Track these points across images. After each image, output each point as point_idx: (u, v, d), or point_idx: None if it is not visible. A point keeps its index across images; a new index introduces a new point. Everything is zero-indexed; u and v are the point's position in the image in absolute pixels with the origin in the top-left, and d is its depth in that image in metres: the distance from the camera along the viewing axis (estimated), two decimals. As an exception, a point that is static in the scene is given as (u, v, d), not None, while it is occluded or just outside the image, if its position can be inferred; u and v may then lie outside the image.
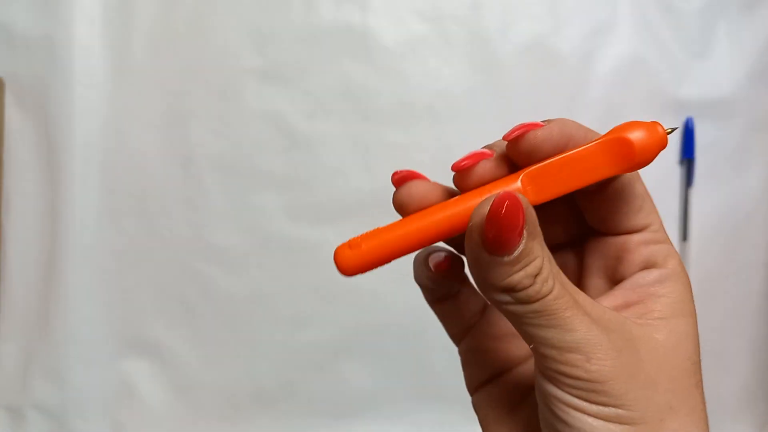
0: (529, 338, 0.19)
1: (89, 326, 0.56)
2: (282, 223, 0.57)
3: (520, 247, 0.18)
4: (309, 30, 0.57)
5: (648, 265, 0.21)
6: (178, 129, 0.57)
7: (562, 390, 0.18)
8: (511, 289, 0.18)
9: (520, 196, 0.18)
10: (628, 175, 0.21)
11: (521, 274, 0.18)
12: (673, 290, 0.20)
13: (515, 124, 0.21)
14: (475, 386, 0.24)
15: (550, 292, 0.18)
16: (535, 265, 0.18)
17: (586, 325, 0.18)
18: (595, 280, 0.22)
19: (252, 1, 0.57)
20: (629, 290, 0.20)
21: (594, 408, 0.18)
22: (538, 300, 0.18)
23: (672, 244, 0.21)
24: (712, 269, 0.59)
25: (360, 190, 0.57)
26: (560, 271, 0.19)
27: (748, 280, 0.59)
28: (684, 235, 0.58)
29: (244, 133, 0.57)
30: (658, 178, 0.59)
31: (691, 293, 0.21)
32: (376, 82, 0.57)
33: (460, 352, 0.25)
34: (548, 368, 0.19)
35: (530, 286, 0.18)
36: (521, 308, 0.19)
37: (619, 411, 0.18)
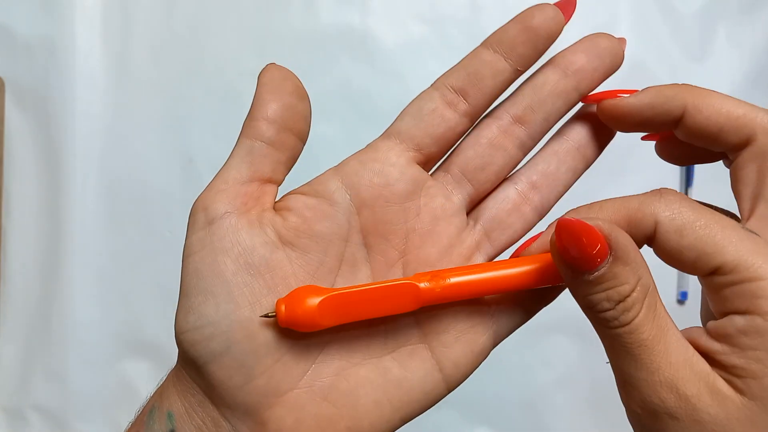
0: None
1: (89, 327, 0.56)
2: (282, 224, 0.57)
3: (602, 269, 0.18)
4: (309, 31, 0.57)
5: (732, 310, 0.18)
6: (178, 130, 0.57)
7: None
8: (590, 308, 0.18)
9: (600, 222, 0.18)
10: (753, 151, 0.20)
11: (601, 296, 0.18)
12: (762, 343, 0.17)
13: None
14: None
15: (631, 321, 0.18)
16: (619, 291, 0.18)
17: (657, 369, 0.18)
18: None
19: (252, 3, 0.57)
20: (715, 334, 0.19)
21: None
22: (615, 328, 0.18)
23: None
24: (712, 270, 0.59)
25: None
26: (659, 304, 0.18)
27: (747, 281, 0.59)
28: (684, 236, 0.58)
29: (244, 134, 0.57)
30: (658, 178, 0.59)
31: None
32: (376, 83, 0.57)
33: None
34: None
35: (609, 310, 0.18)
36: (599, 329, 0.19)
37: None
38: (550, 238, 0.19)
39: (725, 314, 0.18)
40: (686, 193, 0.58)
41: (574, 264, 0.18)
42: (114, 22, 0.57)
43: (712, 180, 0.59)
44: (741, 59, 0.59)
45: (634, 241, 0.19)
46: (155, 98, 0.57)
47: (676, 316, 0.19)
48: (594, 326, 0.19)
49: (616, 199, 0.20)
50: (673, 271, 0.58)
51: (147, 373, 0.57)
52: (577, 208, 0.21)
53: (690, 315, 0.58)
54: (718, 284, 0.18)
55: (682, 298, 0.58)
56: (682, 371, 0.18)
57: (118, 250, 0.57)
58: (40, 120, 0.57)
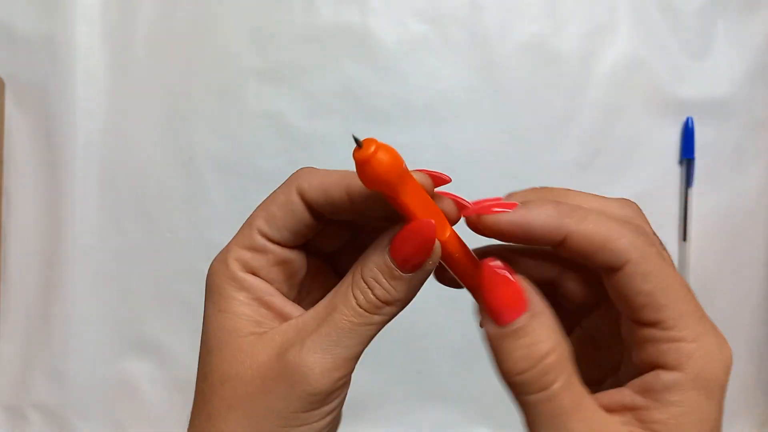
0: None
1: (89, 326, 0.56)
2: (282, 223, 0.57)
3: (520, 322, 0.18)
4: (309, 30, 0.57)
5: (657, 365, 0.19)
6: (179, 129, 0.57)
7: None
8: (508, 373, 0.18)
9: (520, 279, 0.18)
10: (628, 272, 0.19)
11: (519, 353, 0.18)
12: (684, 399, 0.18)
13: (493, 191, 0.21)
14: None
15: (550, 386, 0.18)
16: (538, 349, 0.18)
17: None
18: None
19: (252, 2, 0.57)
20: (639, 389, 0.19)
21: None
22: (534, 393, 0.18)
23: (706, 340, 0.19)
24: (712, 269, 0.59)
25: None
26: (576, 375, 0.18)
27: (748, 280, 0.59)
28: (684, 235, 0.58)
29: (244, 133, 0.57)
30: (658, 178, 0.59)
31: (716, 403, 0.18)
32: (376, 82, 0.57)
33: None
34: None
35: (527, 371, 0.18)
36: (519, 400, 0.19)
37: None
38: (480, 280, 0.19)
39: (651, 366, 0.19)
40: (686, 194, 0.58)
41: (494, 308, 0.18)
42: (114, 21, 0.57)
43: (713, 180, 0.59)
44: (741, 57, 0.59)
45: (596, 264, 0.19)
46: (155, 97, 0.57)
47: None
48: (515, 399, 0.19)
49: (598, 217, 0.19)
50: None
51: (147, 372, 0.57)
52: (563, 202, 0.20)
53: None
54: (654, 337, 0.19)
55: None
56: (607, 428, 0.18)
57: (118, 249, 0.57)
58: (40, 119, 0.56)
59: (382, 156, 0.19)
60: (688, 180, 0.58)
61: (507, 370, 0.18)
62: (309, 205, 0.22)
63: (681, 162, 0.59)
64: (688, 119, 0.58)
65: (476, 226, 0.20)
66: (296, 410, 0.20)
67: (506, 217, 0.19)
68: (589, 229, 0.19)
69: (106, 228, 0.57)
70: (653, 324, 0.19)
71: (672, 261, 0.20)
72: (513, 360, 0.18)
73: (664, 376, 0.18)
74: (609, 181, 0.58)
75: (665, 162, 0.59)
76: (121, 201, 0.57)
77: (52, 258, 0.56)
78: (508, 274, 0.18)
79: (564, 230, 0.19)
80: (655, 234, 0.21)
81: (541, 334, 0.18)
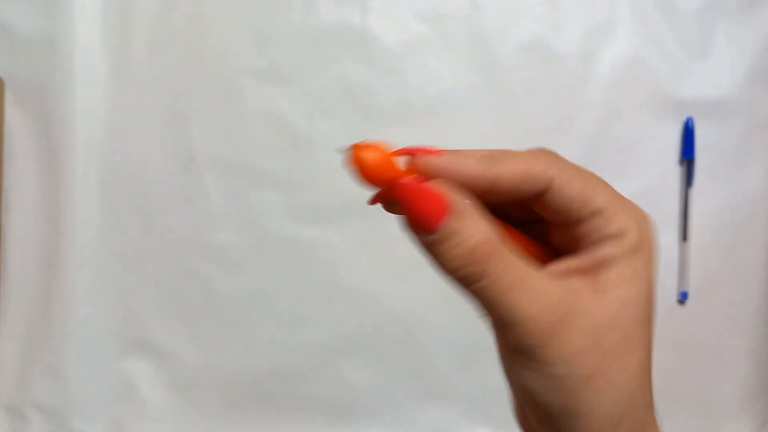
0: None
1: (89, 326, 0.56)
2: (282, 223, 0.57)
3: (445, 224, 0.20)
4: (309, 30, 0.57)
5: (605, 237, 0.21)
6: (179, 129, 0.57)
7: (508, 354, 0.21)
8: (448, 273, 0.20)
9: (437, 183, 0.20)
10: (556, 186, 0.21)
11: (451, 254, 0.20)
12: (630, 261, 0.21)
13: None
14: None
15: (488, 272, 0.20)
16: (466, 244, 0.20)
17: (525, 305, 0.20)
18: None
19: (252, 2, 0.57)
20: (587, 259, 0.21)
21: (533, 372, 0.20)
22: (476, 282, 0.20)
23: (635, 211, 0.22)
24: (712, 269, 0.59)
25: (360, 190, 0.56)
26: (509, 253, 0.20)
27: (748, 280, 0.59)
28: (684, 235, 0.58)
29: (244, 133, 0.57)
30: (658, 178, 0.59)
31: (653, 262, 0.22)
32: (376, 82, 0.57)
33: None
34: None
35: (462, 267, 0.20)
36: (466, 294, 0.20)
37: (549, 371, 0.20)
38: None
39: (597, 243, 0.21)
40: (686, 194, 0.58)
41: (420, 219, 0.20)
42: (114, 20, 0.57)
43: (713, 180, 0.59)
44: (741, 57, 0.59)
45: (528, 194, 0.21)
46: (155, 96, 0.57)
47: (677, 316, 0.19)
48: (464, 292, 0.21)
49: (507, 153, 0.21)
50: (674, 271, 0.58)
51: (147, 372, 0.57)
52: (458, 151, 0.22)
53: (690, 315, 0.58)
54: (593, 224, 0.21)
55: (683, 298, 0.58)
56: (549, 290, 0.20)
57: (118, 248, 0.57)
58: (40, 118, 0.57)
59: (365, 156, 0.21)
60: (688, 180, 0.58)
61: (448, 270, 0.20)
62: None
63: (681, 162, 0.59)
64: (688, 119, 0.58)
65: (410, 167, 0.22)
66: None
67: (436, 160, 0.21)
68: (509, 167, 0.21)
69: (106, 227, 0.57)
70: (591, 215, 0.21)
71: (580, 166, 0.22)
72: (449, 259, 0.20)
73: (608, 247, 0.21)
74: (609, 181, 0.58)
75: (665, 162, 0.59)
76: (120, 200, 0.57)
77: (52, 258, 0.56)
78: (424, 185, 0.20)
79: (490, 173, 0.21)
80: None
81: (467, 229, 0.20)
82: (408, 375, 0.57)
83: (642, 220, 0.22)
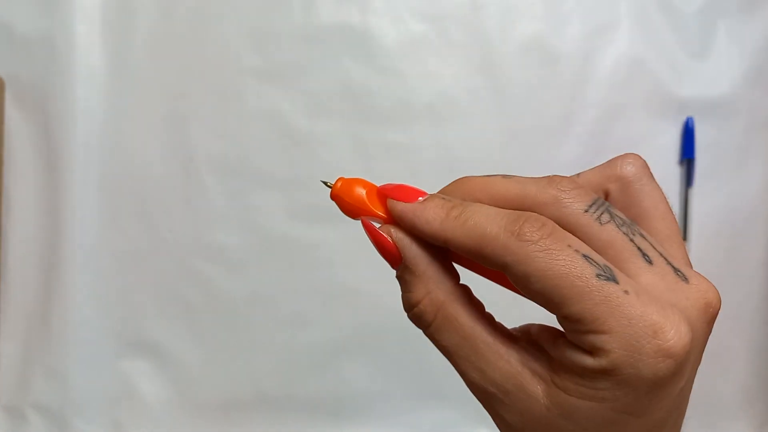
0: None
1: (89, 326, 0.56)
2: (282, 223, 0.57)
3: (398, 271, 0.21)
4: (309, 30, 0.57)
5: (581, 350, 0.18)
6: (178, 129, 0.57)
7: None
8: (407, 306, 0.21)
9: (393, 231, 0.21)
10: (511, 276, 0.18)
11: (402, 296, 0.21)
12: (588, 378, 0.18)
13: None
14: None
15: (426, 327, 0.20)
16: (408, 297, 0.20)
17: (464, 372, 0.20)
18: None
19: (252, 1, 0.57)
20: (547, 345, 0.19)
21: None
22: (423, 328, 0.21)
23: (641, 339, 0.17)
24: (712, 269, 0.59)
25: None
26: (461, 318, 0.20)
27: (748, 280, 0.59)
28: (684, 235, 0.58)
29: (244, 133, 0.57)
30: (658, 178, 0.58)
31: (630, 392, 0.17)
32: (376, 82, 0.57)
33: None
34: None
35: (408, 311, 0.21)
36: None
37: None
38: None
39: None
40: (686, 194, 0.58)
41: (384, 257, 0.21)
42: (114, 21, 0.57)
43: (713, 180, 0.59)
44: (741, 57, 0.59)
45: (483, 263, 0.19)
46: (155, 97, 0.57)
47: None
48: None
49: (479, 218, 0.19)
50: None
51: (146, 372, 0.57)
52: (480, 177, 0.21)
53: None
54: (567, 327, 0.18)
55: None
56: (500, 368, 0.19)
57: (118, 249, 0.57)
58: (40, 119, 0.56)
59: (343, 193, 0.23)
60: (688, 180, 0.58)
61: (404, 308, 0.21)
62: None
63: (681, 162, 0.59)
64: (688, 119, 0.58)
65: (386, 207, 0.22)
66: None
67: (400, 207, 0.21)
68: (460, 235, 0.19)
69: (106, 228, 0.57)
70: (563, 318, 0.18)
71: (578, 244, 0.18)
72: (403, 300, 0.21)
73: (577, 356, 0.18)
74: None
75: (665, 162, 0.59)
76: (120, 200, 0.57)
77: (52, 258, 0.56)
78: (380, 232, 0.21)
79: (441, 235, 0.19)
80: (604, 206, 0.21)
81: (412, 285, 0.20)
82: (408, 375, 0.57)
83: (649, 346, 0.17)
